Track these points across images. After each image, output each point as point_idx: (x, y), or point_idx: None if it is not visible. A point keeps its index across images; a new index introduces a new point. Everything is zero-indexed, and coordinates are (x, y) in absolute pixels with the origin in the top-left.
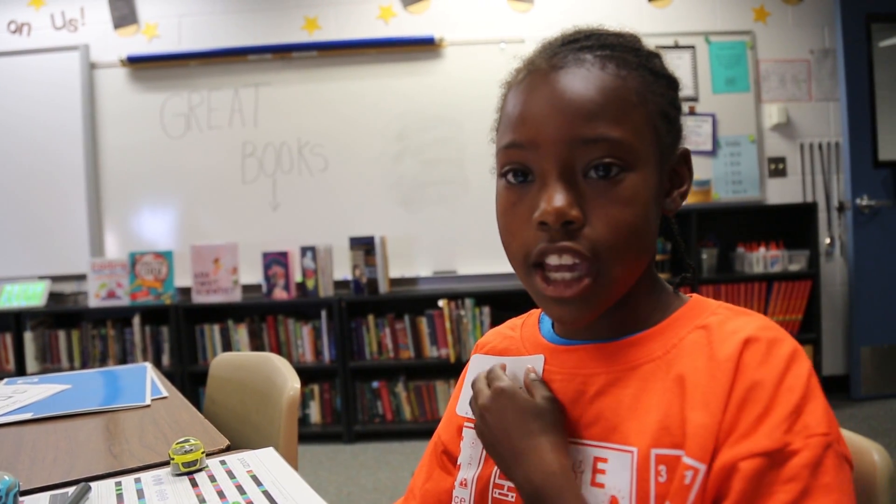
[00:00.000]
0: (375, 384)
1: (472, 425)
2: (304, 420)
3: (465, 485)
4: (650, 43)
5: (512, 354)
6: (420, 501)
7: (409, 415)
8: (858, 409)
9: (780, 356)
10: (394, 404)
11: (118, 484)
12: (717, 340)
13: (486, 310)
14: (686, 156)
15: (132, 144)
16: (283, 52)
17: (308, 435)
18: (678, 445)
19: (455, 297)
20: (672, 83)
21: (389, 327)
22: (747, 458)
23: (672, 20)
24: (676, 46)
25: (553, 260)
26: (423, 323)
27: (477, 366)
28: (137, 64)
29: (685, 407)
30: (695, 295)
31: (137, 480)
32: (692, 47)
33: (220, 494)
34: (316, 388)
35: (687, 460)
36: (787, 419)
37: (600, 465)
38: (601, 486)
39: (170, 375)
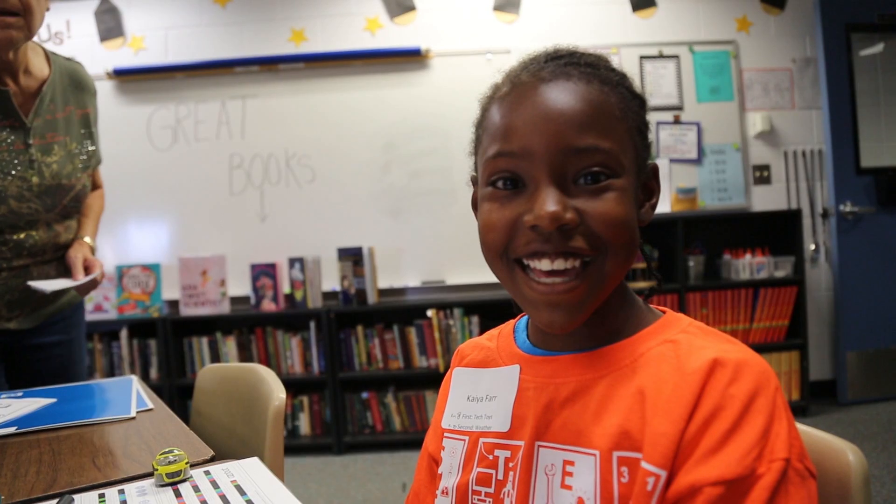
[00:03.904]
0: (365, 395)
1: (452, 436)
2: (293, 432)
3: (447, 493)
4: (632, 54)
5: (489, 366)
6: None
7: (398, 425)
8: (845, 414)
9: (748, 375)
10: (383, 415)
11: (101, 496)
12: (685, 354)
13: (475, 319)
14: (655, 171)
15: (119, 157)
16: (269, 64)
17: (298, 447)
18: (637, 449)
19: (444, 306)
20: (643, 103)
21: (378, 338)
22: (715, 485)
23: (656, 30)
24: (661, 56)
25: (545, 265)
26: (412, 333)
27: (459, 380)
28: (124, 77)
29: (646, 413)
30: (668, 311)
31: (121, 492)
32: (676, 57)
33: None
34: (305, 399)
35: (646, 465)
36: (757, 445)
37: (569, 468)
38: (569, 487)
39: (158, 389)
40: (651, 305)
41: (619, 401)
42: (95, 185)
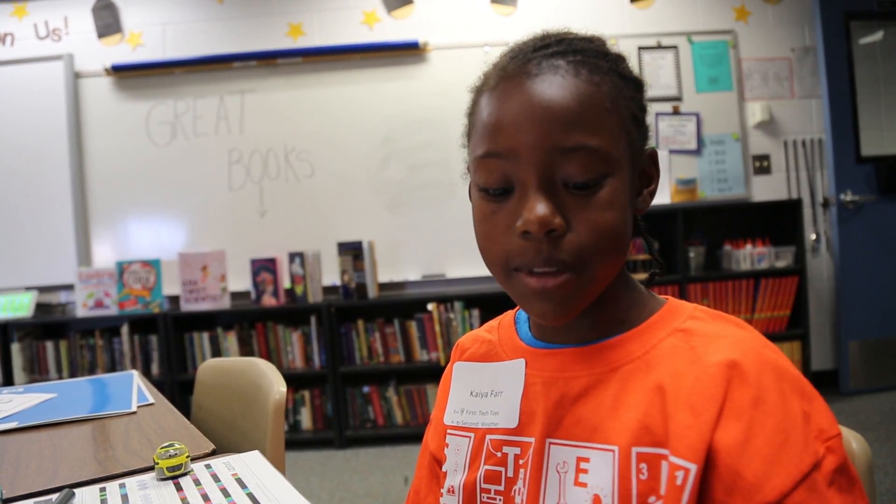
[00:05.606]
0: (366, 389)
1: (456, 433)
2: (295, 426)
3: (453, 492)
4: (631, 45)
5: (492, 360)
6: None
7: (400, 419)
8: (847, 404)
9: (770, 373)
10: (385, 409)
11: (102, 490)
12: (701, 345)
13: (476, 312)
14: (654, 156)
15: (118, 153)
16: (267, 59)
17: (299, 441)
18: (660, 444)
19: (444, 300)
20: (639, 85)
21: (379, 332)
22: (797, 489)
23: (654, 21)
24: (659, 47)
25: (537, 269)
26: (413, 327)
27: (460, 374)
28: (122, 73)
29: (667, 407)
30: (671, 298)
31: (122, 486)
32: (675, 47)
33: (205, 498)
34: (307, 394)
35: (675, 460)
36: (806, 429)
37: (583, 465)
38: (584, 485)
39: (159, 384)
40: (653, 292)
41: (636, 395)
42: None
